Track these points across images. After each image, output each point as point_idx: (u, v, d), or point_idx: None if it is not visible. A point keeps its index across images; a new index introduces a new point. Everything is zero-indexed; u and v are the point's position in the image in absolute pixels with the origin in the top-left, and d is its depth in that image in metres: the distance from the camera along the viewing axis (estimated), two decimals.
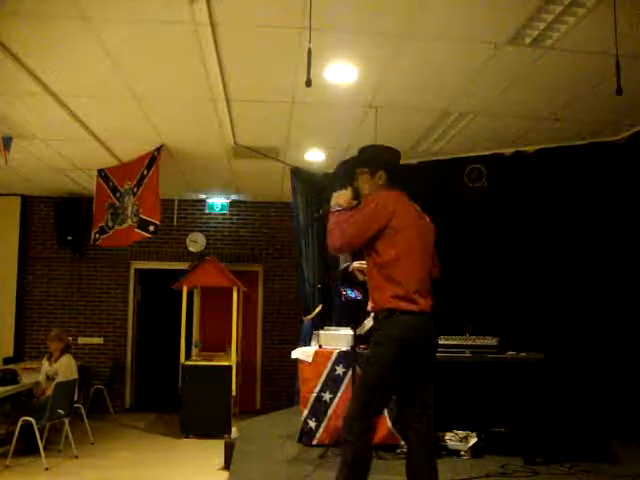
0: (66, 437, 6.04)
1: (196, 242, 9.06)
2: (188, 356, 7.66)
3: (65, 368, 6.18)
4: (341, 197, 3.10)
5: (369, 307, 3.08)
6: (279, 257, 9.17)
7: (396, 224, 2.91)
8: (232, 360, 7.24)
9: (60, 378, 5.99)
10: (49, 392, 5.87)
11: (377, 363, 2.86)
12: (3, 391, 5.69)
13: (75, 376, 6.26)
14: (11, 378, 5.91)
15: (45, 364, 6.38)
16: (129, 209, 6.43)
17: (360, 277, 3.38)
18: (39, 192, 8.65)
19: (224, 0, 3.44)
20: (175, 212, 9.07)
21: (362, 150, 3.25)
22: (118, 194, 6.64)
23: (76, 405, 6.27)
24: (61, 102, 4.96)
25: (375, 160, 3.14)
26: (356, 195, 3.11)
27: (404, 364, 2.86)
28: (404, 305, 2.87)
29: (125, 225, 6.50)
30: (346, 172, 3.29)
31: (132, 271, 9.10)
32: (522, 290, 5.62)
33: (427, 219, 3.14)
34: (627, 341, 5.21)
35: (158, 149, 6.10)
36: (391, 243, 2.90)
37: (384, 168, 3.10)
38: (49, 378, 6.18)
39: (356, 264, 3.48)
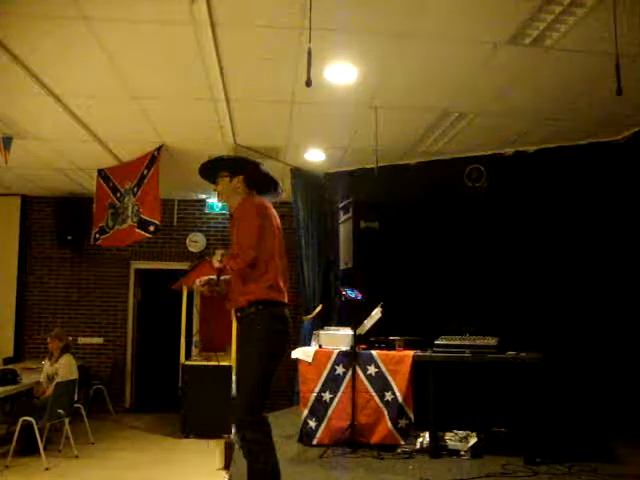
0: (66, 437, 6.03)
1: (196, 242, 9.06)
2: (188, 356, 7.66)
3: (65, 368, 6.17)
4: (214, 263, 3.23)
5: (239, 300, 3.18)
6: None
7: (267, 224, 3.23)
8: (232, 360, 7.23)
9: (59, 378, 5.98)
10: (49, 392, 5.87)
11: (260, 355, 3.08)
12: (3, 391, 5.68)
13: (75, 376, 6.25)
14: (11, 378, 5.90)
15: (46, 364, 6.38)
16: (129, 209, 6.43)
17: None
18: (39, 192, 8.64)
19: (224, 0, 3.44)
20: (175, 212, 9.07)
21: (222, 158, 3.54)
22: (118, 194, 6.64)
23: (76, 405, 6.26)
24: (61, 102, 4.96)
25: (234, 165, 3.41)
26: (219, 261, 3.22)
27: (279, 354, 3.18)
28: (276, 295, 3.17)
29: (125, 225, 6.51)
30: (206, 172, 3.52)
31: (132, 271, 9.09)
32: (522, 290, 5.62)
33: (278, 219, 3.40)
34: (627, 341, 5.21)
35: (158, 149, 6.10)
36: (264, 241, 3.17)
37: (242, 173, 3.35)
38: (49, 378, 6.17)
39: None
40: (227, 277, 3.32)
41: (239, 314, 3.24)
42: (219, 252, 3.27)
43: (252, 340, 3.14)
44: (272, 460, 3.10)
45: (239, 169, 3.37)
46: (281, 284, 3.24)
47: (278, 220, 3.40)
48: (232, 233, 3.28)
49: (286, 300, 3.28)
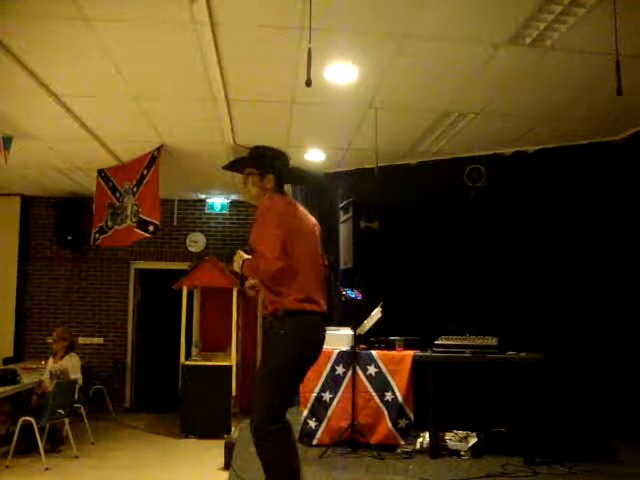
0: (66, 437, 6.04)
1: (196, 242, 9.07)
2: (188, 356, 7.66)
3: (72, 367, 6.24)
4: (236, 265, 3.11)
5: (269, 309, 3.08)
6: None
7: (295, 228, 3.02)
8: (232, 360, 7.24)
9: (71, 375, 6.07)
10: (50, 389, 5.88)
11: (286, 361, 2.94)
12: (3, 391, 5.69)
13: (78, 375, 6.29)
14: (11, 378, 5.91)
15: (50, 362, 6.40)
16: (129, 209, 6.42)
17: (251, 293, 3.34)
18: (39, 192, 8.64)
19: (224, 0, 3.44)
20: (175, 212, 9.08)
21: (253, 149, 3.30)
22: (118, 194, 6.64)
23: (76, 405, 6.27)
24: (61, 102, 4.96)
25: (265, 162, 3.19)
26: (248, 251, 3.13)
27: (305, 362, 3.03)
28: (308, 306, 2.98)
29: (125, 225, 6.50)
30: (236, 167, 3.42)
31: (132, 271, 9.10)
32: (522, 290, 5.61)
33: (313, 219, 3.25)
34: (627, 341, 5.21)
35: (158, 149, 6.10)
36: (291, 247, 2.96)
37: (273, 172, 3.15)
38: (52, 376, 6.19)
39: (248, 283, 3.33)
40: (253, 282, 3.24)
41: (268, 320, 3.14)
42: (241, 256, 3.07)
43: (274, 346, 3.01)
44: (290, 468, 2.90)
45: (268, 166, 3.17)
46: (314, 295, 3.02)
47: (312, 219, 3.23)
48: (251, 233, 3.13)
49: (322, 309, 3.06)
